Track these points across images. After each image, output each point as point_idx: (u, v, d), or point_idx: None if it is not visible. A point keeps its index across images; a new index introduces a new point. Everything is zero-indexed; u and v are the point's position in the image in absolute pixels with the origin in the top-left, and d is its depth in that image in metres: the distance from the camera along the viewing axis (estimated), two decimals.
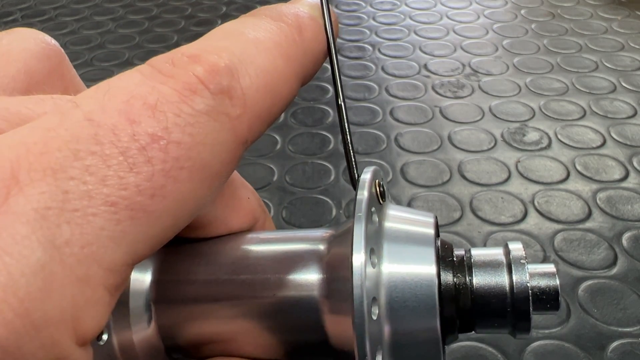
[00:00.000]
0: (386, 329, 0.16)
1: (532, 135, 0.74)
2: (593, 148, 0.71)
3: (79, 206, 0.11)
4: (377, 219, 0.17)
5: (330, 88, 0.84)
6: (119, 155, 0.12)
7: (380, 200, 0.17)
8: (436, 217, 0.18)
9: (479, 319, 0.16)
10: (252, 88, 0.14)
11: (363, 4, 1.11)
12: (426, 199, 0.64)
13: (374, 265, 0.16)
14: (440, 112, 0.79)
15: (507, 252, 0.17)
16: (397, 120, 0.77)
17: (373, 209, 0.17)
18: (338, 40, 1.04)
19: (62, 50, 0.19)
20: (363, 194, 0.16)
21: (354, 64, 0.91)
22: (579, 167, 0.68)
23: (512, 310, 0.16)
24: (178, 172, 0.12)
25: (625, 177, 0.66)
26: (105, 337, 0.17)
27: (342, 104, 0.19)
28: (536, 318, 0.50)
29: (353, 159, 0.19)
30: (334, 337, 0.16)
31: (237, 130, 0.14)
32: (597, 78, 0.86)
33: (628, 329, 0.49)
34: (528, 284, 0.16)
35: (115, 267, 0.12)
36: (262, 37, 0.15)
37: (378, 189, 0.17)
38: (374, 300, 0.15)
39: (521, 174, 0.67)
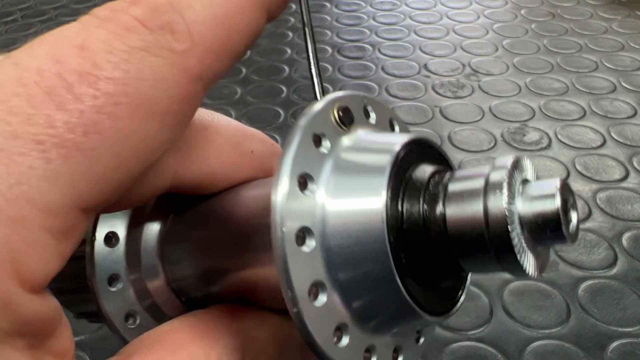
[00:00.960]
0: (329, 265, 0.14)
1: (532, 135, 0.74)
2: (593, 148, 0.71)
3: (4, 146, 0.11)
4: (329, 145, 0.15)
5: (330, 88, 0.84)
6: (43, 94, 0.12)
7: (343, 126, 0.16)
8: (421, 140, 0.16)
9: (460, 255, 0.14)
10: (199, 21, 0.14)
11: (363, 4, 1.11)
12: None
13: (308, 194, 0.14)
14: (440, 112, 0.79)
15: (490, 172, 0.14)
16: None
17: (320, 133, 0.15)
18: (338, 40, 1.04)
19: None
20: (305, 116, 0.15)
21: (354, 64, 0.91)
22: (579, 167, 0.68)
23: (491, 243, 0.13)
24: (114, 108, 0.12)
25: (625, 177, 0.66)
26: (119, 285, 0.18)
27: (308, 29, 0.18)
28: (536, 317, 0.50)
29: (319, 83, 0.18)
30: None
31: (185, 64, 0.13)
32: (597, 78, 0.86)
33: (628, 329, 0.49)
34: (505, 208, 0.13)
35: (55, 209, 0.11)
36: None
37: (337, 114, 0.16)
38: (308, 230, 0.14)
39: None
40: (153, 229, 0.19)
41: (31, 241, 0.11)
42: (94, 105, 0.12)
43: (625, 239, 0.58)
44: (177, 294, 0.19)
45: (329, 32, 1.00)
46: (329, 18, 1.05)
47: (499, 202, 0.13)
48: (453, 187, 0.14)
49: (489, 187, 0.14)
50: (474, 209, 0.14)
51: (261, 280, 0.17)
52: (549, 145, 0.71)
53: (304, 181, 0.14)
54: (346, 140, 0.16)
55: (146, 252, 0.19)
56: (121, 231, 0.19)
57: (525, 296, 0.52)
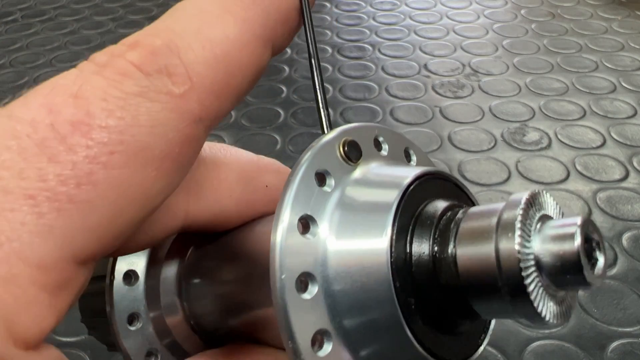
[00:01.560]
0: (332, 312, 0.13)
1: (532, 135, 0.74)
2: (593, 148, 0.71)
3: None
4: (333, 183, 0.14)
5: (330, 88, 0.84)
6: (35, 146, 0.11)
7: (349, 162, 0.15)
8: (436, 172, 0.15)
9: (472, 299, 0.13)
10: (198, 62, 0.13)
11: (363, 4, 1.11)
12: None
13: (310, 236, 0.13)
14: (440, 112, 0.79)
15: (503, 209, 0.13)
16: (397, 120, 0.77)
17: (324, 171, 0.14)
18: (338, 40, 1.04)
19: None
20: (307, 154, 0.14)
21: (354, 64, 0.91)
22: (579, 167, 0.68)
23: (505, 287, 0.12)
24: (108, 157, 0.12)
25: (625, 177, 0.66)
26: (139, 324, 0.18)
27: (314, 60, 0.17)
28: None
29: (326, 116, 0.17)
30: None
31: (184, 107, 0.13)
32: (597, 78, 0.86)
33: (628, 329, 0.49)
34: (517, 250, 0.12)
35: (48, 264, 0.11)
36: (209, 6, 0.14)
37: (343, 149, 0.15)
38: (309, 276, 0.13)
39: (521, 174, 0.67)
40: (171, 266, 0.19)
41: (24, 299, 0.11)
42: (87, 155, 0.12)
43: (625, 239, 0.58)
44: (196, 330, 0.19)
45: (329, 32, 0.99)
46: (329, 18, 1.05)
47: (510, 244, 0.12)
48: (465, 225, 0.13)
49: (500, 227, 0.12)
50: (485, 250, 0.12)
51: (273, 319, 0.16)
52: (549, 145, 0.71)
53: (305, 223, 0.13)
54: (353, 177, 0.15)
55: (165, 290, 0.19)
56: (140, 269, 0.19)
57: None
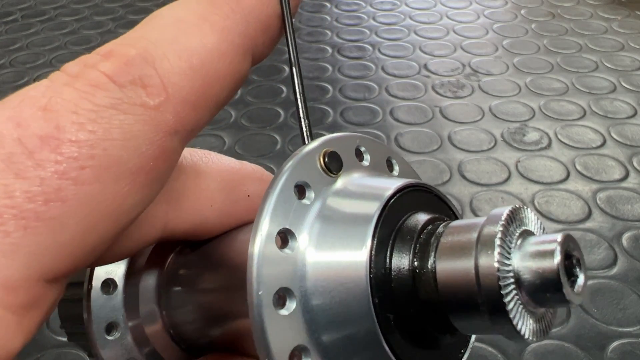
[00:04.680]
0: (310, 328, 0.13)
1: (532, 135, 0.74)
2: (593, 148, 0.71)
3: None
4: (313, 196, 0.14)
5: (330, 88, 0.84)
6: (1, 162, 0.11)
7: (330, 173, 0.14)
8: (418, 184, 0.14)
9: (452, 316, 0.13)
10: (174, 72, 0.13)
11: (363, 4, 1.11)
12: None
13: (288, 251, 0.13)
14: (440, 112, 0.79)
15: (483, 224, 0.13)
16: (397, 120, 0.77)
17: (303, 183, 0.14)
18: (338, 40, 1.03)
19: None
20: (285, 167, 0.14)
21: (354, 64, 0.91)
22: (579, 167, 0.68)
23: (484, 304, 0.12)
24: (78, 172, 0.11)
25: (625, 177, 0.66)
26: (117, 333, 0.17)
27: (295, 68, 0.17)
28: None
29: (306, 126, 0.16)
30: None
31: (159, 120, 0.12)
32: (597, 78, 0.86)
33: (628, 329, 0.49)
34: (496, 267, 0.12)
35: (15, 284, 0.11)
36: (186, 14, 0.14)
37: (323, 160, 0.14)
38: (287, 291, 0.13)
39: (521, 174, 0.67)
40: (151, 274, 0.19)
41: None
42: (56, 171, 0.11)
43: (625, 239, 0.58)
44: (176, 340, 0.19)
45: (329, 32, 0.99)
46: (329, 18, 1.05)
47: (490, 260, 0.12)
48: (445, 240, 0.13)
49: (480, 242, 0.12)
50: (465, 266, 0.12)
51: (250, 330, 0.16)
52: (549, 145, 0.71)
53: (284, 237, 0.13)
54: (333, 188, 0.14)
55: (144, 298, 0.18)
56: (119, 277, 0.18)
57: None
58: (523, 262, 0.12)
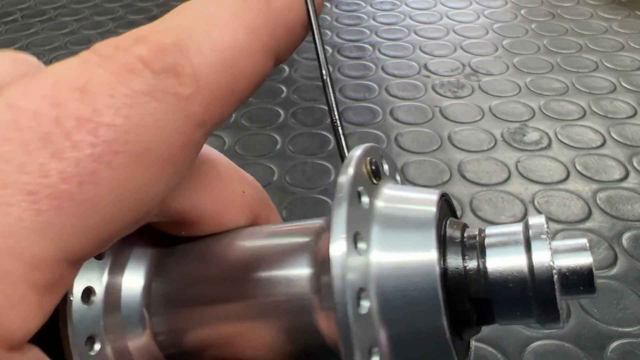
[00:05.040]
0: (382, 325, 0.14)
1: (532, 135, 0.74)
2: (593, 148, 0.71)
3: None
4: (368, 201, 0.15)
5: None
6: (38, 140, 0.11)
7: (374, 180, 0.16)
8: (445, 195, 0.16)
9: (498, 308, 0.14)
10: (206, 64, 0.13)
11: (363, 4, 1.11)
12: None
13: (360, 253, 0.14)
14: (440, 112, 0.79)
15: (527, 228, 0.14)
16: (397, 120, 0.77)
17: (361, 189, 0.15)
18: (338, 40, 1.03)
19: (40, 64, 0.16)
20: (346, 173, 0.15)
21: (354, 64, 0.91)
22: (579, 167, 0.68)
23: (534, 296, 0.14)
24: (112, 157, 0.11)
25: (625, 177, 0.66)
26: (97, 346, 0.16)
27: (328, 78, 0.17)
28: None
29: (342, 136, 0.17)
30: (327, 336, 0.15)
31: (189, 110, 0.13)
32: (597, 78, 0.86)
33: (628, 329, 0.49)
34: (551, 264, 0.14)
35: (41, 263, 0.11)
36: (219, 10, 0.14)
37: (369, 168, 0.15)
38: (363, 291, 0.14)
39: (521, 174, 0.67)
40: (135, 278, 0.17)
41: (13, 298, 0.11)
42: (92, 153, 0.11)
43: (625, 239, 0.58)
44: (163, 349, 0.17)
45: (329, 32, 1.00)
46: (329, 18, 1.05)
47: (544, 257, 0.14)
48: (490, 241, 0.15)
49: (532, 242, 0.14)
50: (517, 263, 0.14)
51: (248, 333, 0.16)
52: (549, 145, 0.71)
53: (356, 240, 0.14)
54: (381, 195, 0.15)
55: (127, 306, 0.17)
56: (98, 285, 0.16)
57: None
58: (560, 260, 0.14)
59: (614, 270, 0.54)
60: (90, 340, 0.16)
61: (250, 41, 0.14)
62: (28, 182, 0.11)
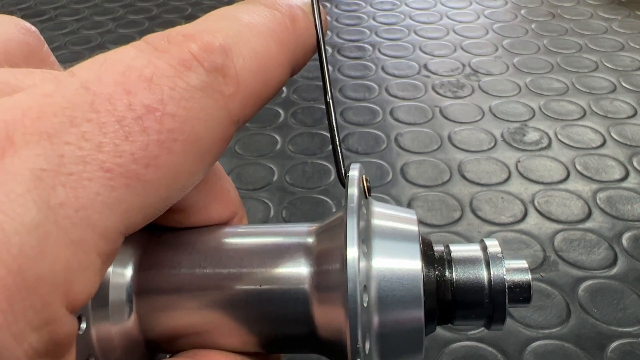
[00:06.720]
0: (374, 318, 0.17)
1: (532, 135, 0.74)
2: (593, 148, 0.71)
3: (74, 170, 0.11)
4: (365, 214, 0.17)
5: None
6: (115, 123, 0.12)
7: (367, 196, 0.18)
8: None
9: (458, 311, 0.18)
10: (245, 68, 0.14)
11: (363, 4, 1.11)
12: (426, 199, 0.64)
13: (365, 257, 0.16)
14: (440, 112, 0.79)
15: (484, 248, 0.18)
16: (397, 120, 0.77)
17: (364, 202, 0.17)
18: (338, 40, 1.04)
19: (42, 37, 0.19)
20: (354, 189, 0.17)
21: (354, 64, 0.91)
22: (579, 167, 0.68)
23: (489, 302, 0.17)
24: (172, 143, 0.13)
25: (625, 177, 0.66)
26: (83, 326, 0.16)
27: (331, 100, 0.19)
28: (536, 317, 0.50)
29: (340, 156, 0.19)
30: (322, 327, 0.17)
31: (230, 108, 0.14)
32: (597, 78, 0.86)
33: (628, 329, 0.49)
34: (505, 278, 0.17)
35: (109, 234, 0.12)
36: (256, 21, 0.15)
37: (365, 184, 0.18)
38: (365, 288, 0.16)
39: (521, 174, 0.67)
40: (123, 264, 0.17)
41: (85, 264, 0.12)
42: (158, 139, 0.12)
43: (625, 239, 0.58)
44: (146, 336, 0.18)
45: (328, 32, 1.00)
46: (329, 18, 1.05)
47: (501, 272, 0.17)
48: (455, 256, 0.18)
49: (491, 260, 0.18)
50: (479, 276, 0.17)
51: (229, 322, 0.17)
52: (549, 145, 0.71)
53: (360, 243, 0.16)
54: (372, 209, 0.18)
55: (114, 291, 0.17)
56: None
57: None
58: (509, 275, 0.18)
59: (614, 270, 0.54)
60: (78, 320, 0.16)
61: (279, 53, 0.16)
62: (105, 161, 0.12)
